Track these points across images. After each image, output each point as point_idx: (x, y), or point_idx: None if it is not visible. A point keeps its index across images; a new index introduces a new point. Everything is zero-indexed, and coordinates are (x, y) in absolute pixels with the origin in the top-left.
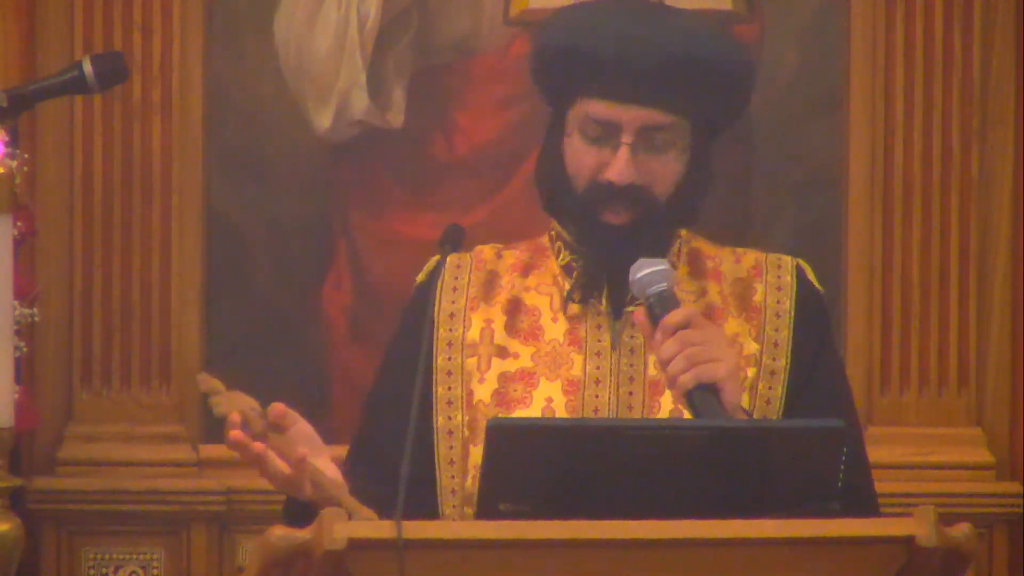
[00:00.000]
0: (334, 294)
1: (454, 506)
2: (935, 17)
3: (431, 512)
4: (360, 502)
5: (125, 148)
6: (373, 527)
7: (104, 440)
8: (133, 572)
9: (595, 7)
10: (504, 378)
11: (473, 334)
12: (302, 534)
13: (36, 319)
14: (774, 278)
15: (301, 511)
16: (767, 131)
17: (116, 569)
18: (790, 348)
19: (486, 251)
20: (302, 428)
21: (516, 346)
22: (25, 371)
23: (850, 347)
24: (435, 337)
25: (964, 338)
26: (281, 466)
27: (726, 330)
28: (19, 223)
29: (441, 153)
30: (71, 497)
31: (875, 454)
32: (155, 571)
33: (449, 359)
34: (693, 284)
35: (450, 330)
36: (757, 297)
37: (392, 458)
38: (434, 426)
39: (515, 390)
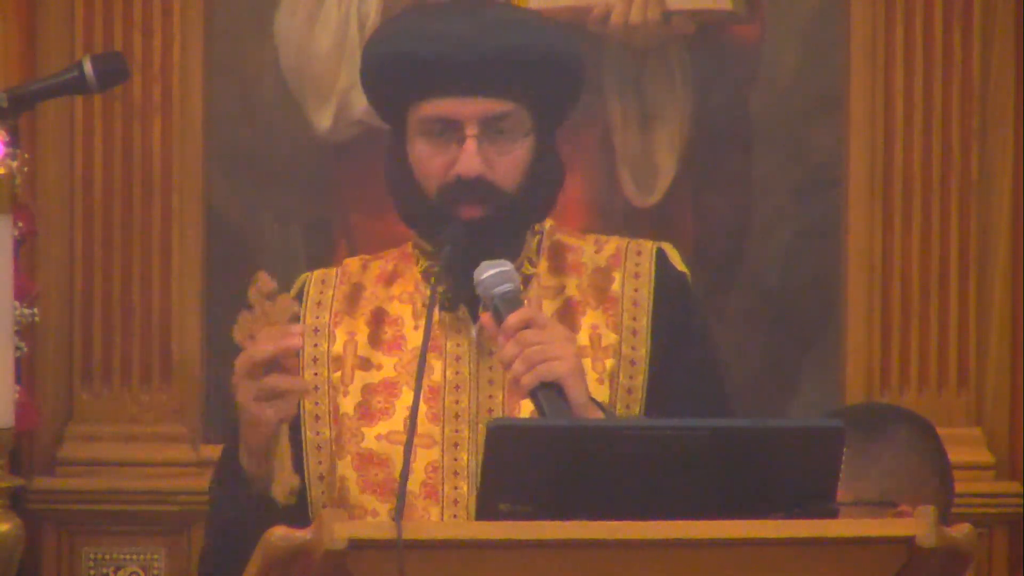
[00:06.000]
0: None
1: None
2: (935, 17)
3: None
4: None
5: (125, 148)
6: (373, 527)
7: (104, 440)
8: (133, 572)
9: (416, 13)
10: (367, 390)
11: (337, 348)
12: (302, 534)
13: (36, 319)
14: (632, 266)
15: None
16: (767, 131)
17: (116, 569)
18: (649, 336)
19: (352, 263)
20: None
21: (379, 357)
22: (25, 371)
23: (850, 347)
24: (301, 353)
25: (964, 338)
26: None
27: (585, 323)
28: (19, 223)
29: None
30: (71, 497)
31: None
32: (155, 571)
33: (315, 374)
34: (552, 280)
35: (315, 345)
36: (615, 286)
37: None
38: (303, 441)
39: (378, 401)
